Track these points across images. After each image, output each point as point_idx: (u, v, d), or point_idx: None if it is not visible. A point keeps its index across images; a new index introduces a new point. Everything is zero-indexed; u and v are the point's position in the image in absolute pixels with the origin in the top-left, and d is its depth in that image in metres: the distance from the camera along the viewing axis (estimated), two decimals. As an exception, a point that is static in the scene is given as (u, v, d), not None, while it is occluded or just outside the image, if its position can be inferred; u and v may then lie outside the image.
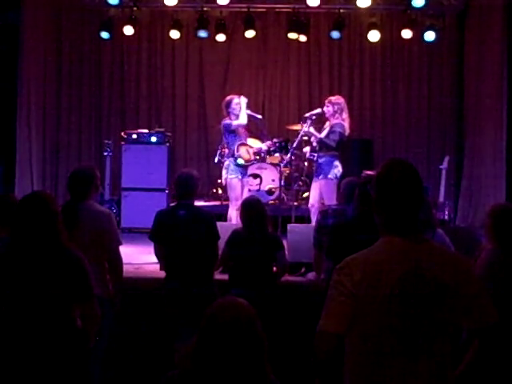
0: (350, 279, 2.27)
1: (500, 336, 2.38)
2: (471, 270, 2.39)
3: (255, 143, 8.09)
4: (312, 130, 7.15)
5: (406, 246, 2.30)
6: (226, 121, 7.33)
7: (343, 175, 6.81)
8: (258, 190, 8.29)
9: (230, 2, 8.77)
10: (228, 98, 7.48)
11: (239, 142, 7.28)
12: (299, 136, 7.33)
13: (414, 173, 2.37)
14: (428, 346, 2.26)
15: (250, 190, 7.77)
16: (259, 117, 7.71)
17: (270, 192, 8.52)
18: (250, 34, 9.36)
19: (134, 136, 8.79)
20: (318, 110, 7.26)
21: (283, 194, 8.37)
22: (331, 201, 6.72)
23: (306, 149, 7.59)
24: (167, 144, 8.81)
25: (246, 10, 9.29)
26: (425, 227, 3.82)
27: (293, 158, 7.89)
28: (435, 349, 2.27)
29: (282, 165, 7.70)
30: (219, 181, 8.53)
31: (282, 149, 7.88)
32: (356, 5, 8.64)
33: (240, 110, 7.27)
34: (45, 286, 3.05)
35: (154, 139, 8.77)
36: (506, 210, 3.80)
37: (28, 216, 3.11)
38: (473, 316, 2.31)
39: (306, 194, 8.61)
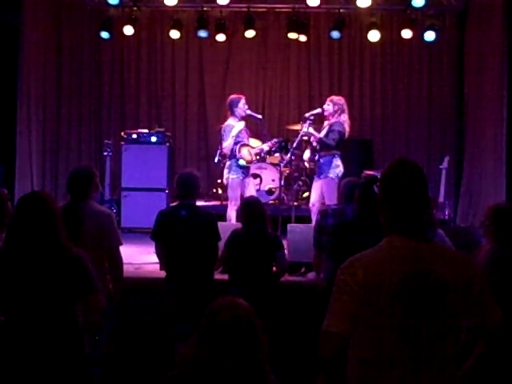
0: (353, 279, 2.26)
1: (500, 336, 2.38)
2: (475, 269, 2.37)
3: (256, 143, 8.08)
4: (311, 130, 7.12)
5: (410, 246, 2.30)
6: (225, 132, 7.09)
7: (343, 175, 6.81)
8: (258, 190, 8.28)
9: (230, 2, 8.77)
10: (234, 96, 7.29)
11: (241, 143, 7.23)
12: (299, 136, 7.31)
13: (420, 173, 2.37)
14: (431, 348, 2.25)
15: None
16: (259, 117, 7.68)
17: (270, 192, 8.52)
18: (249, 33, 9.36)
19: (134, 136, 8.79)
20: (318, 110, 7.25)
21: (283, 194, 8.36)
22: (332, 200, 6.69)
23: (306, 154, 7.56)
24: (167, 144, 8.81)
25: (246, 9, 9.29)
26: (426, 227, 3.82)
27: (293, 157, 7.87)
28: (438, 350, 2.26)
29: (281, 165, 7.69)
30: (219, 181, 8.52)
31: (282, 149, 7.86)
32: (356, 5, 8.64)
33: (245, 112, 7.17)
34: (45, 286, 3.05)
35: (154, 139, 8.78)
36: (506, 210, 3.80)
37: (27, 216, 3.10)
38: (477, 315, 2.30)
39: (306, 194, 8.61)
